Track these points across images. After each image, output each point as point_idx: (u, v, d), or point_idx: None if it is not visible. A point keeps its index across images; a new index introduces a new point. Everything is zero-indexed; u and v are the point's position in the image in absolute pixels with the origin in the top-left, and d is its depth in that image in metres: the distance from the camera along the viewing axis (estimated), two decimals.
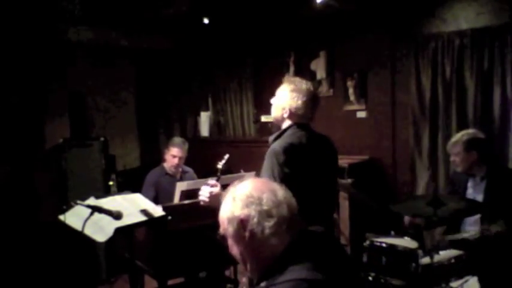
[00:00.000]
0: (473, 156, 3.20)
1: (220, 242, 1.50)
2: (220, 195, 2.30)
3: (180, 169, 4.29)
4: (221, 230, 1.49)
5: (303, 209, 1.51)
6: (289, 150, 2.28)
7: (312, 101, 2.45)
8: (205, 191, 2.42)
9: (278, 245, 1.38)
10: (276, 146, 2.33)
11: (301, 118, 2.45)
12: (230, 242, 1.45)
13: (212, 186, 2.43)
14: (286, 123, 2.46)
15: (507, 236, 2.92)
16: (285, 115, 2.45)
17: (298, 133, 2.40)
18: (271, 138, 2.47)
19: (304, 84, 2.47)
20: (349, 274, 1.51)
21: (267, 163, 2.29)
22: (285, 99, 2.45)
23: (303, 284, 1.27)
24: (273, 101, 2.54)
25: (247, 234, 1.39)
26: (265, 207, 1.40)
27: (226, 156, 2.75)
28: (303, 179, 2.29)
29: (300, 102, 2.42)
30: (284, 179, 2.15)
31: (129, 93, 6.10)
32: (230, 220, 1.43)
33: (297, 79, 2.52)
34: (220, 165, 2.69)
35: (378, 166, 4.78)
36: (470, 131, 3.39)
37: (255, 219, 1.39)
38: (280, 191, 1.46)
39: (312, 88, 2.49)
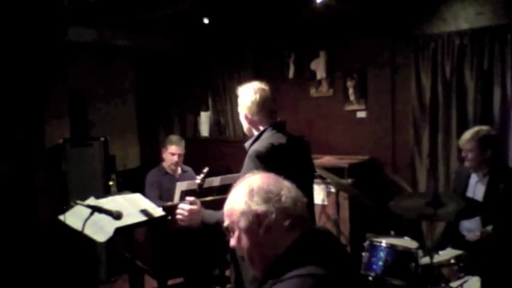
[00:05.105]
0: (487, 154, 3.19)
1: (223, 234, 1.46)
2: (200, 213, 2.28)
3: (180, 167, 4.29)
4: (227, 221, 1.43)
5: None
6: (270, 151, 2.25)
7: (260, 96, 2.40)
8: (184, 210, 2.30)
9: (288, 242, 1.36)
10: (256, 147, 2.29)
11: (265, 118, 2.41)
12: (239, 234, 1.40)
13: (191, 203, 2.30)
14: (259, 128, 2.43)
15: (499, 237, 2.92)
16: (248, 122, 2.45)
17: (276, 134, 2.37)
18: (247, 143, 2.42)
19: (248, 88, 2.45)
20: (351, 270, 1.50)
21: (248, 165, 2.23)
22: (240, 109, 2.46)
23: (309, 279, 1.25)
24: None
25: (262, 230, 1.35)
26: (284, 205, 1.36)
27: (206, 170, 2.58)
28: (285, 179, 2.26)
29: (250, 104, 2.40)
30: None
31: (129, 93, 6.09)
32: (244, 213, 1.37)
33: (243, 86, 2.48)
34: (199, 180, 2.55)
35: (378, 166, 4.78)
36: (484, 128, 3.31)
37: (273, 216, 1.35)
38: (293, 188, 1.43)
39: (256, 86, 2.44)
